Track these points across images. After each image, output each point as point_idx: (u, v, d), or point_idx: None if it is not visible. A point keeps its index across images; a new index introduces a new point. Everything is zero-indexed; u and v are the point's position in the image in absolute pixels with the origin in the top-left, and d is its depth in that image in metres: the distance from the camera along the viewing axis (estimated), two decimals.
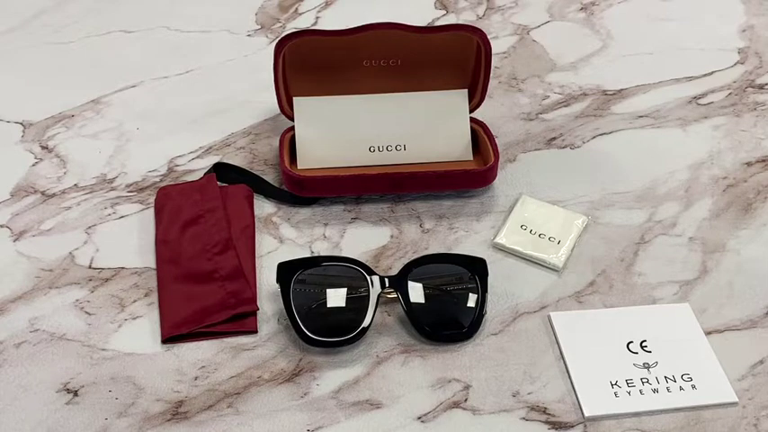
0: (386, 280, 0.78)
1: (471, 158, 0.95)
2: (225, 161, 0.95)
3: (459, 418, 0.73)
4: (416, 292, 0.78)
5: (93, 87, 1.05)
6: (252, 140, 0.98)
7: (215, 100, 1.04)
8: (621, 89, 1.07)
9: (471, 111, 0.95)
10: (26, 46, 1.12)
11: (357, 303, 0.77)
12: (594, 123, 1.02)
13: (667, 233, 0.89)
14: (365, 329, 0.77)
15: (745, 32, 1.18)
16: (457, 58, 0.94)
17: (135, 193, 0.92)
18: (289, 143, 0.93)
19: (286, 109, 0.94)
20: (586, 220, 0.89)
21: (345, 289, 0.78)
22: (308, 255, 0.86)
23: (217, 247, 0.83)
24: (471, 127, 0.95)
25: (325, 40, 0.90)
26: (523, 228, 0.88)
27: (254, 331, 0.79)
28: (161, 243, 0.85)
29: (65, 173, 0.94)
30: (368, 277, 0.78)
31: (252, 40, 1.14)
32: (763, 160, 0.98)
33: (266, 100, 0.98)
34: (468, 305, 0.79)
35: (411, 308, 0.78)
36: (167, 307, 0.79)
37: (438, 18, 1.18)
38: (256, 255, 0.85)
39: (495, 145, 0.93)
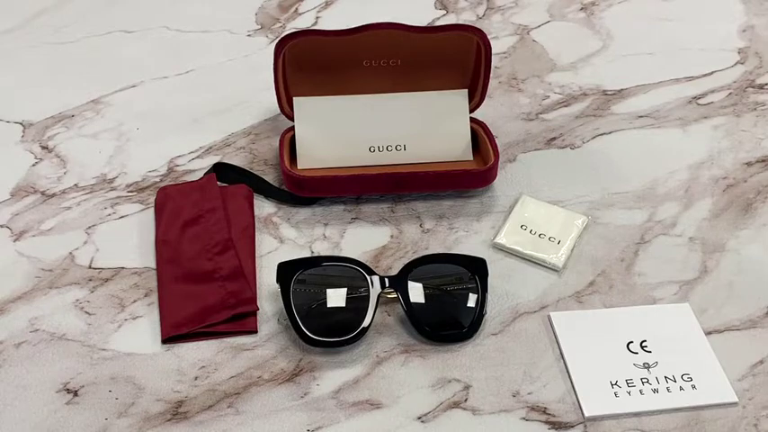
0: (386, 280, 0.78)
1: (471, 158, 0.95)
2: (225, 161, 0.95)
3: (460, 418, 0.73)
4: (416, 292, 0.78)
5: (93, 87, 1.05)
6: (252, 140, 0.98)
7: (215, 100, 1.04)
8: (621, 89, 1.07)
9: (471, 111, 0.95)
10: (26, 46, 1.12)
11: (357, 303, 0.77)
12: (594, 123, 1.02)
13: (667, 233, 0.89)
14: (365, 329, 0.77)
15: (745, 32, 1.18)
16: (457, 58, 0.94)
17: (135, 193, 0.92)
18: (289, 143, 0.93)
19: (286, 109, 0.94)
20: (586, 220, 0.89)
21: (345, 289, 0.78)
22: (308, 255, 0.86)
23: (217, 247, 0.83)
24: (471, 127, 0.95)
25: (325, 40, 0.90)
26: (523, 228, 0.88)
27: (254, 331, 0.79)
28: (161, 243, 0.85)
29: (65, 173, 0.94)
30: (368, 277, 0.78)
31: (252, 40, 1.14)
32: (763, 160, 0.98)
33: (266, 100, 0.98)
34: (468, 305, 0.79)
35: (411, 308, 0.78)
36: (167, 307, 0.79)
37: (438, 18, 1.18)
38: (256, 255, 0.85)
39: (495, 145, 0.93)
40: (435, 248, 0.87)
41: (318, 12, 1.19)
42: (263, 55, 1.10)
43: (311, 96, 0.94)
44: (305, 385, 0.75)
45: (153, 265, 0.84)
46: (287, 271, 0.79)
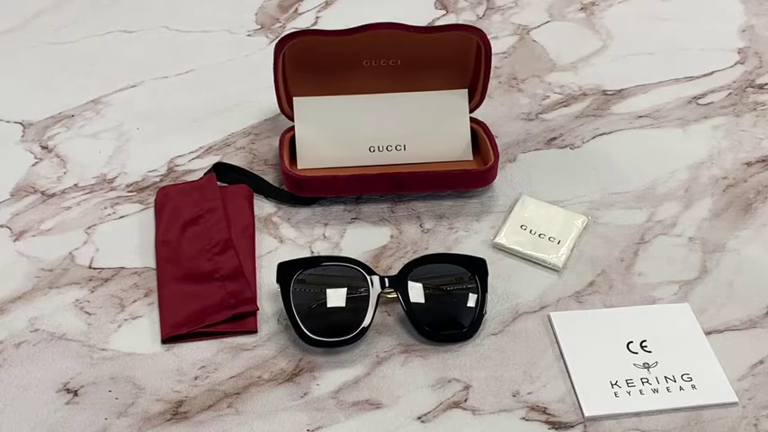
0: (386, 280, 0.78)
1: (471, 158, 0.95)
2: (225, 161, 0.95)
3: (460, 418, 0.73)
4: (416, 292, 0.78)
5: (93, 87, 1.05)
6: (252, 140, 0.98)
7: (215, 100, 1.04)
8: (621, 89, 1.07)
9: (471, 111, 0.96)
10: (26, 46, 1.12)
11: (357, 303, 0.77)
12: (594, 123, 1.02)
13: (667, 233, 0.89)
14: (365, 329, 0.77)
15: (745, 32, 1.18)
16: (457, 58, 0.94)
17: (135, 193, 0.92)
18: (289, 143, 0.93)
19: (286, 109, 0.94)
20: (586, 220, 0.89)
21: (345, 289, 0.78)
22: (308, 255, 0.86)
23: (217, 247, 0.83)
24: (471, 127, 0.95)
25: (325, 40, 0.90)
26: (523, 228, 0.88)
27: (254, 331, 0.79)
28: (161, 243, 0.85)
29: (65, 173, 0.94)
30: (368, 277, 0.78)
31: (252, 40, 1.14)
32: (763, 160, 0.98)
33: (266, 100, 0.98)
34: (468, 305, 0.79)
35: (411, 308, 0.78)
36: (167, 307, 0.79)
37: (438, 18, 1.18)
38: (256, 255, 0.85)
39: (495, 145, 0.93)
40: (435, 248, 0.87)
41: (318, 12, 1.19)
42: (263, 55, 1.10)
43: (311, 96, 0.94)
44: (305, 385, 0.75)
45: (153, 265, 0.84)
46: (287, 271, 0.79)
